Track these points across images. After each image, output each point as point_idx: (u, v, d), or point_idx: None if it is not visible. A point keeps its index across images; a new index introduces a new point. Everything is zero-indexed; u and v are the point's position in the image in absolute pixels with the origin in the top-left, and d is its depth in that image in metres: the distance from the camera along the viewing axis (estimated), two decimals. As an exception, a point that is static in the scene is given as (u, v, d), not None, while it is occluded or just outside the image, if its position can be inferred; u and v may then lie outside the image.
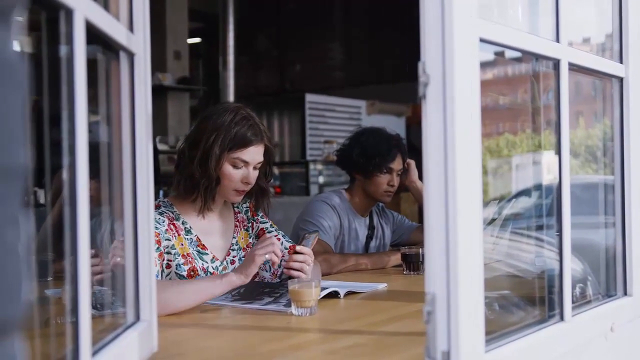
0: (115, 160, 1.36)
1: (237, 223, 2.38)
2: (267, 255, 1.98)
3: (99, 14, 1.11)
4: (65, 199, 1.03)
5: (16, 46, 0.59)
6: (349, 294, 2.17)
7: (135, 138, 1.36)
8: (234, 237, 2.35)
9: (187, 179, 2.20)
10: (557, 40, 1.51)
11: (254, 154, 2.21)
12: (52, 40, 1.03)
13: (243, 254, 2.34)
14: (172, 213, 2.21)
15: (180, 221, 2.22)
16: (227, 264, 2.29)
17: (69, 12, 0.99)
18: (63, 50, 1.01)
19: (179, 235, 2.19)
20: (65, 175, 1.02)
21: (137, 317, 1.36)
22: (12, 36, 0.58)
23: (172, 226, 2.17)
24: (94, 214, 1.09)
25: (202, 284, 1.99)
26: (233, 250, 2.33)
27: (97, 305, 1.32)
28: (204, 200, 2.22)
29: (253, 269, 1.98)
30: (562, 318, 1.50)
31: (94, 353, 1.09)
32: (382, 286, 2.34)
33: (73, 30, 1.00)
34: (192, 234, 2.22)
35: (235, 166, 2.19)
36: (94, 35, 1.11)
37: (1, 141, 0.56)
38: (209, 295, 1.96)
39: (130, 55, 1.34)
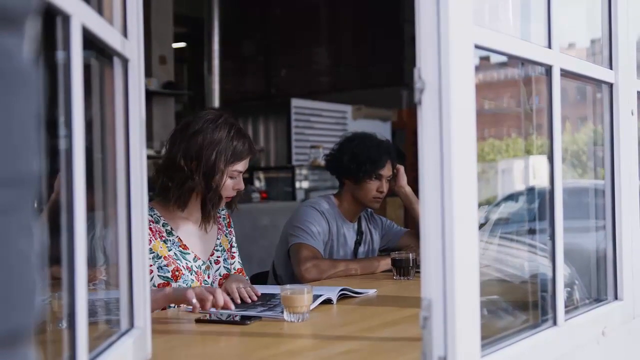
0: (108, 166, 1.35)
1: (220, 226, 2.46)
2: (194, 301, 1.91)
3: (95, 20, 1.11)
4: (56, 203, 1.02)
5: (29, 54, 0.59)
6: (342, 297, 2.18)
7: (129, 144, 1.35)
8: (218, 239, 2.43)
9: (188, 193, 2.26)
10: (549, 46, 1.52)
11: (247, 163, 2.34)
12: (48, 45, 1.03)
13: (226, 255, 2.44)
14: (152, 216, 2.24)
15: (161, 224, 2.28)
16: (210, 263, 2.36)
17: (66, 18, 0.98)
18: (59, 55, 1.01)
19: (156, 239, 2.24)
20: (62, 181, 1.01)
21: (131, 324, 1.35)
22: (25, 44, 0.58)
23: (149, 230, 2.20)
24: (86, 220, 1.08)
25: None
26: (217, 250, 2.41)
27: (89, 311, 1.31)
28: (211, 213, 2.30)
29: (181, 300, 2.01)
30: (555, 322, 1.51)
31: (90, 361, 1.08)
32: (372, 292, 2.34)
33: (70, 35, 0.99)
34: (173, 235, 2.28)
35: (231, 177, 2.29)
36: (89, 41, 1.10)
37: (15, 149, 0.56)
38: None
39: (125, 61, 1.33)
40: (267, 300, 2.14)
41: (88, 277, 1.39)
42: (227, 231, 2.49)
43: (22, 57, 0.57)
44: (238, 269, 2.46)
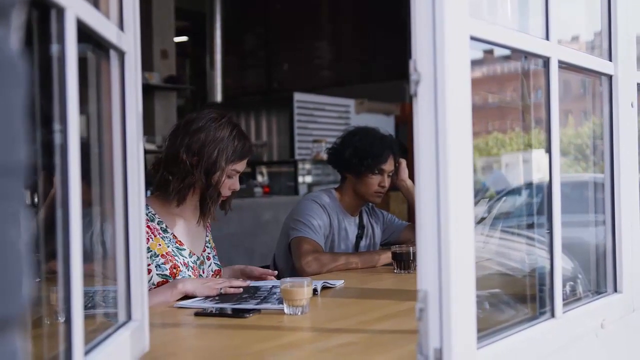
0: (105, 160, 1.35)
1: (208, 225, 2.50)
2: (222, 290, 2.12)
3: (90, 13, 1.11)
4: (55, 199, 1.03)
5: (16, 44, 0.59)
6: (324, 288, 2.23)
7: (125, 138, 1.35)
8: (207, 236, 2.47)
9: (187, 188, 2.28)
10: (547, 38, 1.51)
11: (245, 164, 2.37)
12: (43, 38, 1.03)
13: (214, 252, 2.48)
14: (147, 214, 2.25)
15: (156, 222, 2.30)
16: (203, 258, 2.41)
17: (60, 11, 0.98)
18: (54, 48, 1.01)
19: (155, 236, 2.26)
20: (56, 175, 1.01)
21: (129, 317, 1.36)
22: (12, 34, 0.58)
23: (146, 228, 2.20)
24: (84, 215, 1.09)
25: (156, 298, 2.05)
26: (208, 247, 2.45)
27: (86, 304, 1.31)
28: (210, 209, 2.33)
29: (201, 292, 2.11)
30: (553, 315, 1.51)
31: (86, 352, 1.09)
32: (340, 282, 2.38)
33: (64, 28, 0.99)
34: (168, 232, 2.31)
35: (229, 176, 2.32)
36: (84, 34, 1.10)
37: (3, 138, 0.56)
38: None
39: (121, 54, 1.33)
40: (254, 292, 2.14)
41: (91, 273, 1.41)
42: (210, 230, 2.54)
43: (9, 48, 0.58)
44: (215, 270, 2.47)
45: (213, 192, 2.29)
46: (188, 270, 2.28)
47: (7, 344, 0.56)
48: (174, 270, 2.24)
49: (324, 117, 8.27)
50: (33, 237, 1.30)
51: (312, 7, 10.09)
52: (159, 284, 2.20)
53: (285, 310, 1.86)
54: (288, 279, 1.95)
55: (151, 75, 7.37)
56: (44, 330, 1.29)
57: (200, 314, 1.89)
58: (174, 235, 2.31)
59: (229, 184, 2.33)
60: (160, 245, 2.25)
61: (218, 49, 8.78)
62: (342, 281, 2.40)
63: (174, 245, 2.29)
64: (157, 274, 2.22)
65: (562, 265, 1.57)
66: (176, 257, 2.27)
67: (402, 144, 3.32)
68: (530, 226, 1.98)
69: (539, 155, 1.86)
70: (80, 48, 1.06)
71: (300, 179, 7.51)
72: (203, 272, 2.37)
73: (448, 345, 1.14)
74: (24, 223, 0.60)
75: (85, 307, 1.13)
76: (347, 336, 1.64)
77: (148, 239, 2.21)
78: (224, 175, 2.29)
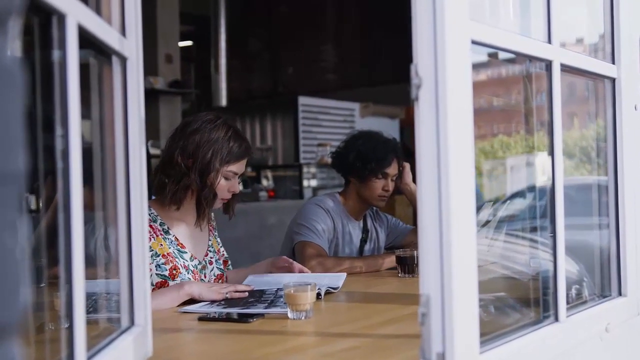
0: (108, 165, 1.36)
1: (211, 228, 2.50)
2: (227, 295, 2.13)
3: (91, 19, 1.11)
4: (58, 204, 1.03)
5: (14, 52, 0.59)
6: (328, 293, 2.23)
7: (128, 143, 1.35)
8: (210, 240, 2.47)
9: (183, 190, 2.28)
10: (549, 41, 1.51)
11: (243, 165, 2.37)
12: (44, 44, 1.03)
13: (217, 256, 2.48)
14: (149, 215, 2.26)
15: (158, 222, 2.31)
16: (205, 263, 2.41)
17: (62, 17, 0.99)
18: (55, 54, 1.01)
19: (157, 236, 2.27)
20: (58, 181, 1.01)
21: (132, 322, 1.36)
22: (9, 42, 0.58)
23: (149, 228, 2.21)
24: (87, 220, 1.09)
25: (162, 299, 2.06)
26: (210, 251, 2.45)
27: (89, 309, 1.31)
28: (205, 211, 2.34)
29: (207, 296, 2.11)
30: (556, 319, 1.51)
31: (89, 358, 1.09)
32: (342, 277, 2.39)
33: (65, 34, 0.99)
34: (170, 234, 2.31)
35: (226, 178, 2.32)
36: (86, 40, 1.11)
37: (1, 146, 0.56)
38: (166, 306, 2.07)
39: (123, 60, 1.33)
40: (259, 297, 2.14)
41: (95, 278, 1.41)
42: (215, 234, 2.54)
43: (6, 55, 0.58)
44: (218, 274, 2.47)
45: (208, 194, 2.29)
46: (188, 273, 2.28)
47: (5, 351, 0.56)
48: (174, 272, 2.24)
49: (328, 121, 8.27)
50: (37, 242, 1.30)
51: (316, 10, 10.09)
52: (157, 285, 2.20)
53: (289, 315, 1.86)
54: (291, 283, 1.94)
55: (156, 80, 7.38)
56: (48, 335, 1.30)
57: (204, 318, 1.89)
58: (175, 237, 2.31)
59: (228, 186, 2.33)
60: (161, 245, 2.26)
61: (222, 53, 8.80)
62: (344, 275, 2.42)
63: (175, 247, 2.30)
64: (156, 274, 2.22)
65: (567, 268, 1.57)
66: (177, 259, 2.27)
67: (406, 148, 3.32)
68: (534, 229, 1.97)
69: (543, 158, 1.86)
70: (82, 54, 1.07)
71: (305, 183, 7.50)
72: (205, 277, 2.37)
73: (451, 350, 1.14)
74: (22, 230, 0.60)
75: (88, 312, 1.13)
76: (351, 340, 1.64)
77: (150, 238, 2.21)
78: (219, 177, 2.29)
